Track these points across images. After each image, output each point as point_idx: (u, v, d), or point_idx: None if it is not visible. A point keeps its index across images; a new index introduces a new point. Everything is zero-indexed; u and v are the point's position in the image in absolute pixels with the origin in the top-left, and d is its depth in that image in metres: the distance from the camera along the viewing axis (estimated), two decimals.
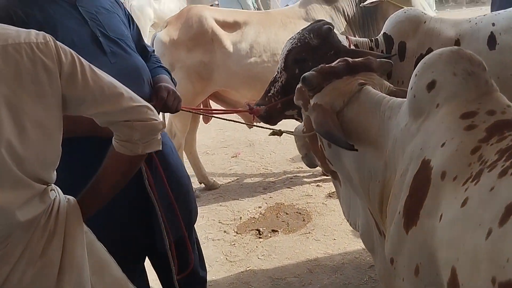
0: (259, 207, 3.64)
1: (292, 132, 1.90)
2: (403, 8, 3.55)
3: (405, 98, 1.52)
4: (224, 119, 2.26)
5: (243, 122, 2.36)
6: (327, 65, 1.60)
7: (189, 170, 4.06)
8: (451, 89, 1.14)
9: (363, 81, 1.53)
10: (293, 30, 3.54)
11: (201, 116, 4.00)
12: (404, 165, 1.26)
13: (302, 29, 2.23)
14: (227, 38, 3.51)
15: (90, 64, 1.20)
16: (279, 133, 1.96)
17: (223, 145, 5.01)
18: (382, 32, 2.35)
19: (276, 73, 2.23)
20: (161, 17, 10.42)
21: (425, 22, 2.25)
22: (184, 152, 3.93)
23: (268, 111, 2.19)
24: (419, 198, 1.15)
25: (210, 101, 3.90)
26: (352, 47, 2.25)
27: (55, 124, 1.12)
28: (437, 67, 1.18)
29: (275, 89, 2.19)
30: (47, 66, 1.09)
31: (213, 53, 3.51)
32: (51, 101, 1.10)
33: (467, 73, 1.13)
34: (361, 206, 1.65)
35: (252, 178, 4.19)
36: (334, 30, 3.61)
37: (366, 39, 2.36)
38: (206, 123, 4.01)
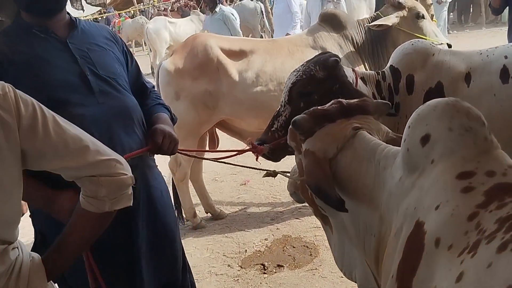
0: (265, 239, 3.52)
1: (287, 173, 1.80)
2: (413, 35, 3.48)
3: None
4: (224, 162, 2.15)
5: (239, 165, 2.24)
6: (319, 108, 1.51)
7: (195, 198, 4.01)
8: (447, 145, 1.04)
9: (358, 125, 1.43)
10: (300, 58, 3.47)
11: (207, 143, 3.95)
12: (398, 223, 1.15)
13: (307, 61, 2.13)
14: (233, 67, 3.45)
15: (55, 115, 1.14)
16: (273, 174, 1.87)
17: (232, 172, 4.92)
18: (388, 65, 2.25)
19: (279, 106, 2.13)
20: (177, 40, 10.54)
21: (433, 54, 2.14)
22: (190, 181, 3.86)
23: (272, 147, 2.09)
24: (413, 264, 1.04)
25: (216, 129, 3.84)
26: (359, 80, 2.15)
27: (14, 181, 1.06)
28: (431, 120, 1.07)
29: (279, 123, 2.09)
30: (4, 120, 1.03)
31: (218, 82, 3.45)
32: (8, 156, 1.04)
33: (464, 129, 1.02)
34: (358, 258, 1.54)
35: (260, 207, 4.09)
36: (342, 59, 3.58)
37: (373, 72, 2.26)
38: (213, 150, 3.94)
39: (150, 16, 15.52)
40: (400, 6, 3.46)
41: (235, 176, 4.83)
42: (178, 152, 1.87)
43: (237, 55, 3.49)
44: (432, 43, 2.26)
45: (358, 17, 5.90)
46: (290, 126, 1.56)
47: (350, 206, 1.37)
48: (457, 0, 12.91)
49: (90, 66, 1.66)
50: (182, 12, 13.84)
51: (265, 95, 3.45)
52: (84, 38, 1.72)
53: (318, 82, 2.00)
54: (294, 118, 1.49)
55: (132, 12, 16.06)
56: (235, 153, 2.16)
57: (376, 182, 1.30)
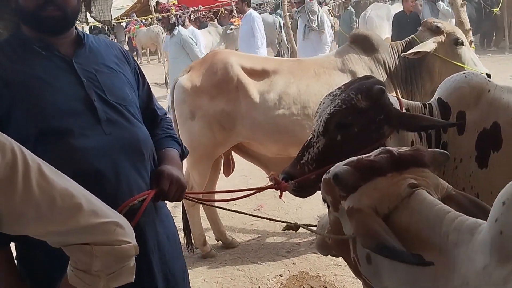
0: (281, 276, 3.24)
1: (313, 228, 1.53)
2: (451, 62, 3.21)
3: (469, 206, 1.16)
4: (239, 212, 1.88)
5: (254, 215, 1.96)
6: (365, 158, 1.24)
7: (205, 223, 3.74)
8: None
9: (414, 182, 1.17)
10: (327, 81, 3.22)
11: (222, 167, 3.70)
12: None
13: (345, 87, 1.83)
14: (254, 87, 3.21)
15: (42, 164, 0.90)
16: (295, 227, 1.60)
17: None
18: (436, 97, 1.96)
19: (310, 136, 1.85)
20: None
21: (489, 90, 1.86)
22: (201, 206, 3.60)
23: (300, 184, 1.80)
24: None
25: (232, 152, 3.58)
26: (404, 110, 1.86)
27: None
28: None
29: (310, 156, 1.80)
30: None
31: (237, 102, 3.21)
32: None
33: None
34: None
35: (274, 237, 3.81)
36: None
37: (419, 103, 1.96)
38: (227, 176, 3.68)
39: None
40: (438, 31, 3.19)
41: (249, 201, 4.53)
42: (185, 198, 1.64)
43: (259, 74, 3.25)
44: (487, 77, 1.97)
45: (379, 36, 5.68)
46: (328, 178, 1.29)
47: (407, 280, 1.10)
48: (479, 24, 12.61)
49: (97, 90, 1.45)
50: (200, 23, 13.71)
51: (287, 119, 3.19)
52: (92, 58, 1.51)
53: (360, 112, 1.72)
54: (335, 171, 1.23)
55: (150, 20, 15.98)
56: (253, 191, 1.89)
57: (442, 260, 1.03)
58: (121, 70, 1.56)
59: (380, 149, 1.28)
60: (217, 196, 3.10)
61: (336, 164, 1.28)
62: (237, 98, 3.21)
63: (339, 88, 1.84)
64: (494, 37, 13.19)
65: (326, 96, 1.85)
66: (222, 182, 3.93)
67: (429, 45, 3.14)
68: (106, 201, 1.33)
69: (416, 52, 3.16)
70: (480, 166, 1.77)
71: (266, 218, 1.91)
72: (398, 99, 1.87)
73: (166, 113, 1.78)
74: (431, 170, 1.26)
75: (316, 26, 7.35)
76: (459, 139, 1.84)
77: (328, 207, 1.35)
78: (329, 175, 1.29)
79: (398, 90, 3.26)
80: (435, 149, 1.34)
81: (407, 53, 3.18)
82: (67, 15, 1.43)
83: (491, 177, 1.74)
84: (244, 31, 7.60)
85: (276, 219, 1.91)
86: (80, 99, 1.41)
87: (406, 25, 7.61)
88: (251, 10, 7.59)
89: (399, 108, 1.81)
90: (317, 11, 7.46)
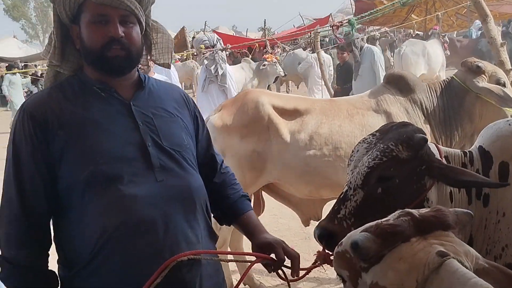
0: None
1: None
2: (493, 103, 3.06)
3: (505, 282, 1.03)
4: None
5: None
6: (385, 223, 1.12)
7: (232, 266, 3.63)
8: None
9: (443, 250, 1.04)
10: (360, 122, 3.12)
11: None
12: None
13: (380, 134, 1.70)
14: (285, 127, 3.14)
15: None
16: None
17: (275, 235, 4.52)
18: (477, 145, 1.83)
19: (346, 188, 1.70)
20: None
21: None
22: (229, 248, 3.50)
23: (339, 240, 1.66)
24: None
25: (263, 192, 3.49)
26: (443, 159, 1.74)
27: None
28: None
29: (347, 209, 1.66)
30: None
31: (268, 142, 3.14)
32: None
33: None
34: None
35: (304, 283, 3.64)
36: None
37: (459, 151, 1.83)
38: (258, 216, 3.58)
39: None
40: (479, 71, 3.07)
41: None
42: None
43: (291, 114, 3.19)
44: None
45: (414, 73, 5.50)
46: (342, 251, 1.16)
47: None
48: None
49: (153, 135, 1.42)
50: (234, 59, 13.94)
51: (318, 160, 3.10)
52: (150, 101, 1.49)
53: (401, 164, 1.61)
54: (354, 239, 1.10)
55: (185, 55, 16.38)
56: (304, 273, 1.63)
57: None
58: (179, 115, 1.53)
59: (399, 211, 1.17)
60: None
61: (349, 233, 1.17)
62: (268, 138, 3.15)
63: (373, 134, 1.73)
64: None
65: (360, 143, 1.74)
66: None
67: (492, 88, 3.01)
68: (152, 251, 1.32)
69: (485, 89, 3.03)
70: None
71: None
72: (437, 146, 1.75)
73: (223, 161, 1.73)
74: (455, 233, 1.13)
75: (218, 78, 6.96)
76: (501, 191, 1.70)
77: (344, 282, 1.21)
78: (343, 246, 1.17)
79: (436, 132, 3.13)
80: (457, 209, 1.21)
81: (481, 85, 3.03)
82: (131, 55, 1.42)
83: None
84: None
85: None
86: (134, 143, 1.39)
87: (340, 74, 8.22)
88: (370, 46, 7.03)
89: (438, 156, 1.70)
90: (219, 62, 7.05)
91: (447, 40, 10.04)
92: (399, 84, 3.20)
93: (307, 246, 4.23)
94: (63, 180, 1.34)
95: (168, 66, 1.68)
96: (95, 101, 1.40)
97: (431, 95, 3.17)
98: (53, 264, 1.44)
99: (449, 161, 1.76)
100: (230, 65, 10.49)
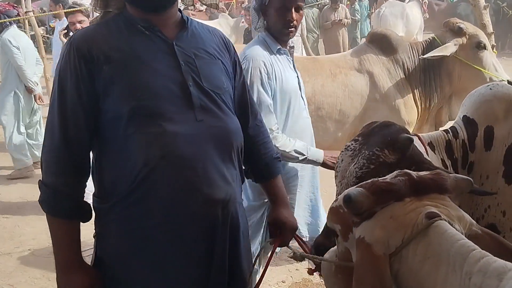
0: (283, 282, 3.15)
1: (318, 257, 1.37)
2: (471, 66, 3.09)
3: (497, 248, 1.04)
4: None
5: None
6: (381, 180, 1.14)
7: None
8: None
9: (434, 211, 1.05)
10: (343, 82, 3.11)
11: None
12: None
13: (363, 139, 1.61)
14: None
15: None
16: (299, 258, 1.51)
17: None
18: (461, 115, 1.83)
19: (336, 199, 1.66)
20: None
21: None
22: None
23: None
24: None
25: None
26: (426, 147, 1.70)
27: None
28: None
29: None
30: None
31: None
32: None
33: None
34: None
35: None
36: (391, 87, 3.16)
37: (440, 132, 1.81)
38: None
39: None
40: (460, 32, 3.07)
41: None
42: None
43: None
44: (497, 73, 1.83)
45: None
46: (336, 206, 1.19)
47: None
48: (495, 26, 12.40)
49: (194, 76, 1.43)
50: (211, 14, 13.57)
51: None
52: (193, 42, 1.48)
53: (390, 168, 1.49)
54: (348, 192, 1.12)
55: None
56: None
57: None
58: (220, 58, 1.52)
59: (397, 171, 1.18)
60: None
61: (348, 188, 1.18)
62: None
63: (356, 140, 1.63)
64: (508, 40, 12.98)
65: (343, 151, 1.65)
66: None
67: (449, 48, 3.02)
68: (191, 187, 1.37)
69: (435, 55, 3.04)
70: (508, 182, 1.66)
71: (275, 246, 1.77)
72: (418, 136, 1.72)
73: (259, 113, 1.73)
74: (451, 197, 1.14)
75: None
76: (486, 156, 1.72)
77: (336, 237, 1.23)
78: (338, 201, 1.19)
79: (416, 92, 3.15)
80: (458, 175, 1.23)
81: (426, 55, 3.06)
82: None
83: None
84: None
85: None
86: (176, 83, 1.40)
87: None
88: None
89: (421, 145, 1.66)
90: None
91: (427, 2, 9.99)
92: (382, 43, 3.18)
93: None
94: (106, 113, 1.37)
95: (216, 7, 1.63)
96: (139, 39, 1.41)
97: (413, 55, 3.17)
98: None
99: (433, 145, 1.74)
100: (207, 20, 10.24)
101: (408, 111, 3.12)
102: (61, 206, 1.38)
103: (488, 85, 1.83)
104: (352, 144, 1.63)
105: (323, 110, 3.03)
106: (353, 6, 10.66)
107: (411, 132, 1.75)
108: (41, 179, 1.41)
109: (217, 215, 1.42)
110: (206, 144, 1.40)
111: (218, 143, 1.42)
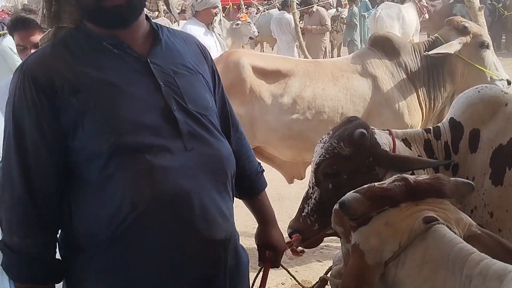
0: (282, 284, 3.12)
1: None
2: (473, 65, 3.06)
3: (496, 248, 1.06)
4: None
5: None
6: (378, 186, 1.13)
7: None
8: None
9: (432, 215, 1.05)
10: (345, 86, 3.08)
11: None
12: None
13: (333, 132, 1.75)
14: (267, 90, 3.06)
15: None
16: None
17: None
18: (448, 117, 1.83)
19: (308, 187, 1.81)
20: None
21: (506, 104, 1.70)
22: None
23: (306, 236, 1.77)
24: None
25: None
26: (400, 142, 1.76)
27: None
28: None
29: (309, 207, 1.78)
30: None
31: (250, 105, 3.07)
32: None
33: None
34: None
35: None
36: (394, 88, 3.12)
37: (420, 130, 1.85)
38: None
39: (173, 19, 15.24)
40: (465, 31, 3.05)
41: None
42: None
43: (274, 76, 3.09)
44: (503, 91, 1.81)
45: None
46: (336, 208, 1.19)
47: None
48: (489, 27, 12.44)
49: (177, 98, 1.24)
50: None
51: (301, 124, 3.06)
52: (169, 57, 1.29)
53: (345, 160, 1.68)
54: (343, 198, 1.13)
55: (157, 14, 15.81)
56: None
57: None
58: (200, 72, 1.34)
59: (395, 176, 1.18)
60: None
61: (347, 193, 1.17)
62: (250, 102, 3.07)
63: (328, 133, 1.78)
64: (503, 40, 13.02)
65: (318, 143, 1.79)
66: None
67: (454, 47, 3.00)
68: (187, 230, 1.21)
69: (439, 53, 3.02)
70: (495, 184, 1.65)
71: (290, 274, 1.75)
72: (390, 131, 1.77)
73: (239, 123, 1.58)
74: (452, 202, 1.13)
75: None
76: (471, 158, 1.73)
77: (340, 238, 1.25)
78: (338, 204, 1.19)
79: (420, 94, 3.12)
80: (458, 179, 1.22)
81: (430, 52, 3.03)
82: (131, 1, 1.21)
83: (507, 195, 1.63)
84: None
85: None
86: (158, 108, 1.21)
87: None
88: None
89: (390, 141, 1.72)
90: None
91: (424, 3, 9.98)
92: (384, 46, 3.16)
93: (279, 207, 4.24)
94: (78, 152, 1.18)
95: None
96: (108, 60, 1.21)
97: (416, 57, 3.14)
98: None
99: (409, 142, 1.79)
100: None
101: (412, 114, 3.11)
102: (31, 272, 1.17)
103: (476, 88, 1.83)
104: (325, 137, 1.78)
105: (325, 114, 3.01)
106: (351, 9, 10.64)
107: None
108: (1, 239, 1.20)
109: (218, 257, 1.28)
110: (200, 177, 1.23)
111: (212, 174, 1.26)
